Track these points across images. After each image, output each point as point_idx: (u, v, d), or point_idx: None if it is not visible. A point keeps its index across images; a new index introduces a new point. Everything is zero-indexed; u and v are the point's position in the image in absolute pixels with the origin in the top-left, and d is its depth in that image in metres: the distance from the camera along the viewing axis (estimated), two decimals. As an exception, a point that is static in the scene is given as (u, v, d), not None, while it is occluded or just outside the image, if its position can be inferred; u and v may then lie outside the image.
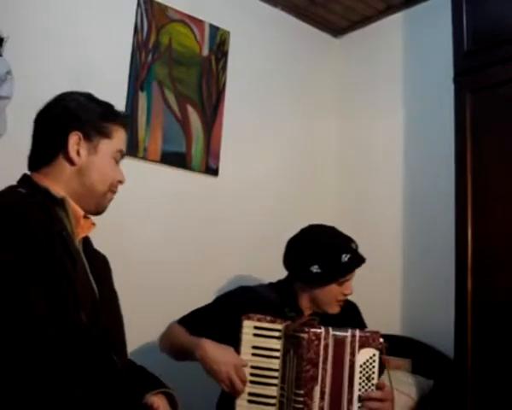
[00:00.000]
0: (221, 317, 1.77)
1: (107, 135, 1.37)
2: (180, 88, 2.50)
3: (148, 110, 2.38)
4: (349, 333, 1.54)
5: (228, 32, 2.67)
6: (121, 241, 2.17)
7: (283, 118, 2.85)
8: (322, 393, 1.49)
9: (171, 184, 2.43)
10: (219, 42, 2.64)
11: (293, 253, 1.85)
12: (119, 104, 1.62)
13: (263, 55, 2.80)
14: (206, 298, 2.42)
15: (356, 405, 1.50)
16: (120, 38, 2.34)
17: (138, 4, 2.39)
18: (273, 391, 1.57)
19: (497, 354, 1.84)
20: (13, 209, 1.18)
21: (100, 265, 1.43)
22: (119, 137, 1.40)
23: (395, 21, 2.85)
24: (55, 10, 2.17)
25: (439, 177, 2.45)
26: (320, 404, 1.49)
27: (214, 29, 2.62)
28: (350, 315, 1.86)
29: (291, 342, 1.55)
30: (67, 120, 1.34)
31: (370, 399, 1.51)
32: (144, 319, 2.10)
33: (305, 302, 1.82)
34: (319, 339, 1.52)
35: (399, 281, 2.59)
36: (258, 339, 1.59)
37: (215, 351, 1.61)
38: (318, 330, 1.53)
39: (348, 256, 1.74)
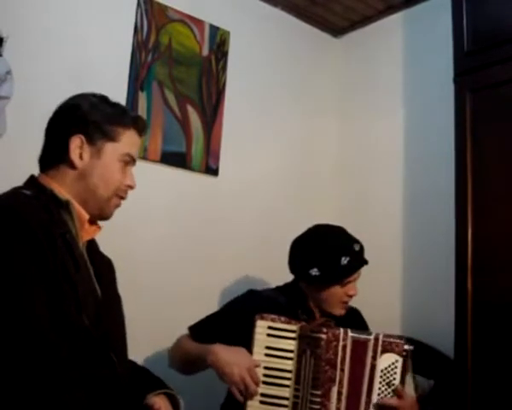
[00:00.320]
0: (232, 322, 1.75)
1: (112, 138, 1.34)
2: (180, 88, 2.50)
3: (148, 110, 2.38)
4: (372, 336, 1.54)
5: (228, 32, 2.67)
6: (121, 241, 2.16)
7: (283, 118, 2.85)
8: (340, 394, 1.49)
9: (171, 184, 2.42)
10: (219, 42, 2.64)
11: (294, 255, 1.85)
12: (119, 104, 1.61)
13: (263, 55, 2.80)
14: (206, 298, 2.43)
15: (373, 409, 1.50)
16: (120, 38, 2.34)
17: (138, 4, 2.39)
18: (286, 392, 1.55)
19: (497, 354, 1.84)
20: (15, 211, 1.18)
21: (104, 268, 1.43)
22: (128, 141, 1.37)
23: (395, 21, 2.85)
24: (55, 10, 2.17)
25: (439, 177, 2.44)
26: (337, 405, 1.48)
27: (214, 29, 2.62)
28: (354, 320, 1.86)
29: (307, 343, 1.54)
30: (71, 122, 1.33)
31: (386, 406, 1.50)
32: (144, 319, 2.10)
33: (313, 305, 1.82)
34: (338, 340, 1.52)
35: (399, 281, 2.59)
36: (272, 339, 1.58)
37: (226, 354, 1.59)
38: (337, 331, 1.53)
39: (348, 259, 1.73)
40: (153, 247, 2.32)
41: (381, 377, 1.52)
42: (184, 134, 2.48)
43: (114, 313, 1.38)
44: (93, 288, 1.30)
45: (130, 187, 1.40)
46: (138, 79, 2.37)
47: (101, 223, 1.43)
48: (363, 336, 1.54)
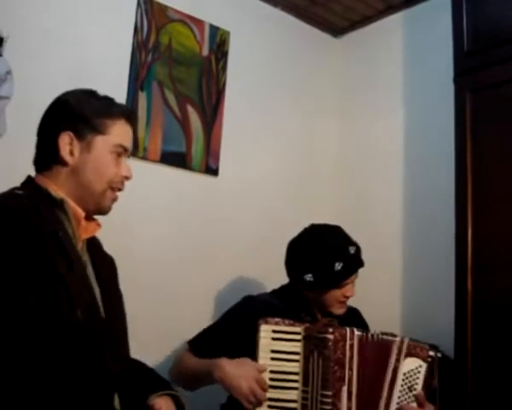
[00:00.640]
0: (233, 331, 1.75)
1: (101, 131, 1.33)
2: (180, 88, 2.50)
3: (147, 110, 2.38)
4: (398, 339, 1.54)
5: (228, 32, 2.67)
6: (120, 241, 2.16)
7: (283, 118, 2.84)
8: (350, 393, 1.49)
9: (171, 184, 2.42)
10: (219, 42, 2.64)
11: (289, 258, 1.85)
12: (119, 104, 1.61)
13: (263, 55, 2.80)
14: (206, 298, 2.43)
15: None
16: (120, 38, 2.34)
17: (138, 4, 2.39)
18: (293, 395, 1.55)
19: (497, 354, 1.84)
20: (3, 209, 1.18)
21: (105, 266, 1.43)
22: (118, 132, 1.36)
23: (395, 21, 2.85)
24: (55, 10, 2.17)
25: (439, 177, 2.44)
26: (348, 404, 1.48)
27: (214, 29, 2.62)
28: (354, 320, 1.86)
29: (314, 344, 1.54)
30: (59, 120, 1.33)
31: None
32: (144, 319, 2.10)
33: (313, 305, 1.82)
34: (345, 339, 1.52)
35: (399, 281, 2.59)
36: (277, 343, 1.57)
37: (232, 368, 1.58)
38: (343, 331, 1.53)
39: (341, 265, 1.72)
40: (153, 247, 2.32)
41: (403, 380, 1.50)
42: (184, 134, 2.48)
43: (114, 312, 1.38)
44: (89, 286, 1.29)
45: (127, 178, 1.39)
46: (138, 79, 2.37)
47: (101, 222, 1.43)
48: (390, 339, 1.53)
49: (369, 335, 1.56)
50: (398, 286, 2.59)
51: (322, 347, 1.52)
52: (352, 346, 1.51)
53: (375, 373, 1.52)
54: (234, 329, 1.76)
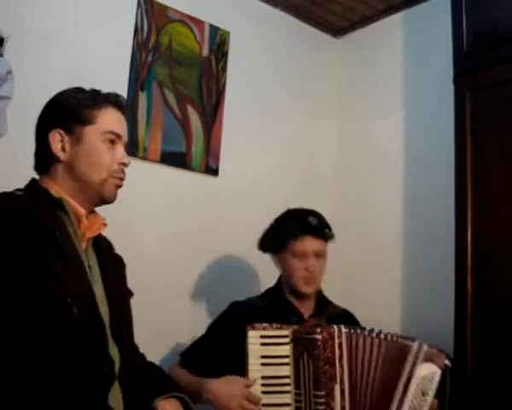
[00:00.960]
0: (222, 339, 1.75)
1: (89, 121, 1.34)
2: (180, 88, 2.50)
3: (148, 110, 2.38)
4: (416, 343, 1.53)
5: (228, 32, 2.67)
6: (120, 240, 2.16)
7: (283, 118, 2.85)
8: (342, 391, 1.49)
9: (171, 184, 2.42)
10: (219, 42, 2.64)
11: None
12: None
13: (263, 55, 2.80)
14: (205, 298, 2.43)
15: None
16: (120, 38, 2.34)
17: (138, 4, 2.39)
18: (287, 399, 1.54)
19: (497, 354, 1.84)
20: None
21: (112, 266, 1.43)
22: (106, 119, 1.36)
23: (395, 21, 2.85)
24: (55, 10, 2.17)
25: (439, 177, 2.44)
26: (341, 403, 1.48)
27: (214, 29, 2.62)
28: (346, 322, 1.86)
29: (303, 345, 1.54)
30: (49, 119, 1.35)
31: None
32: (144, 319, 2.10)
33: (301, 305, 1.83)
34: (333, 338, 1.52)
35: (399, 281, 2.59)
36: (266, 348, 1.57)
37: (220, 388, 1.57)
38: (331, 329, 1.53)
39: (296, 227, 1.81)
40: (153, 247, 2.32)
41: (417, 384, 1.49)
42: (184, 134, 2.48)
43: (120, 311, 1.38)
44: (87, 284, 1.28)
45: (124, 164, 1.38)
46: (138, 80, 2.37)
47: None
48: (408, 343, 1.53)
49: (383, 335, 1.55)
50: (398, 286, 2.59)
51: (311, 348, 1.51)
52: (340, 344, 1.51)
53: (384, 373, 1.51)
54: (221, 338, 1.76)
